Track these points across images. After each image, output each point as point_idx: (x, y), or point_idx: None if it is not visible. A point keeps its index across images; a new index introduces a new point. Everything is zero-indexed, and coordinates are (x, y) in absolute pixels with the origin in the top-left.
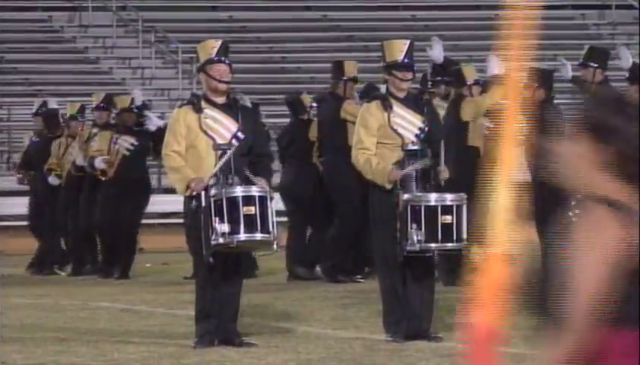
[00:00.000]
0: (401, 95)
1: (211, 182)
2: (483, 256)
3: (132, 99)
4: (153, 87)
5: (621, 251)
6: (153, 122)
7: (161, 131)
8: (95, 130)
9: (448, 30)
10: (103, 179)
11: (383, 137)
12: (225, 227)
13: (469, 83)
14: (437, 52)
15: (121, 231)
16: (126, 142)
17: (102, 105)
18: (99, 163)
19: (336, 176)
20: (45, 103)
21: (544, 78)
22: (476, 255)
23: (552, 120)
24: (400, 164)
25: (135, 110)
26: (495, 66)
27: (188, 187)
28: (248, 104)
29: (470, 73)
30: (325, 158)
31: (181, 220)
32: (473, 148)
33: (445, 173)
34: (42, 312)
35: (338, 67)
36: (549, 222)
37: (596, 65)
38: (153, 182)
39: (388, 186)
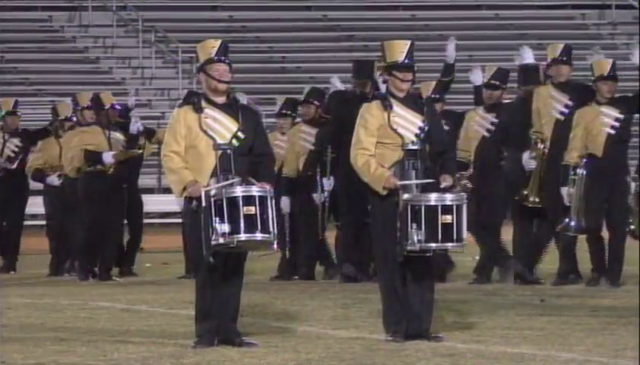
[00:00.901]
0: (401, 95)
1: (211, 182)
2: None
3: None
4: (153, 87)
5: None
6: (135, 126)
7: (140, 134)
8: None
9: (448, 30)
10: (111, 171)
11: (383, 137)
12: (225, 227)
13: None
14: (450, 50)
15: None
16: (116, 137)
17: (91, 105)
18: (107, 158)
19: None
20: (16, 102)
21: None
22: None
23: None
24: (399, 164)
25: (117, 107)
26: (529, 56)
27: (184, 189)
28: (242, 101)
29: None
30: None
31: (180, 220)
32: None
33: (447, 181)
34: (42, 312)
35: (369, 66)
36: None
37: (571, 63)
38: (153, 182)
39: (383, 193)
